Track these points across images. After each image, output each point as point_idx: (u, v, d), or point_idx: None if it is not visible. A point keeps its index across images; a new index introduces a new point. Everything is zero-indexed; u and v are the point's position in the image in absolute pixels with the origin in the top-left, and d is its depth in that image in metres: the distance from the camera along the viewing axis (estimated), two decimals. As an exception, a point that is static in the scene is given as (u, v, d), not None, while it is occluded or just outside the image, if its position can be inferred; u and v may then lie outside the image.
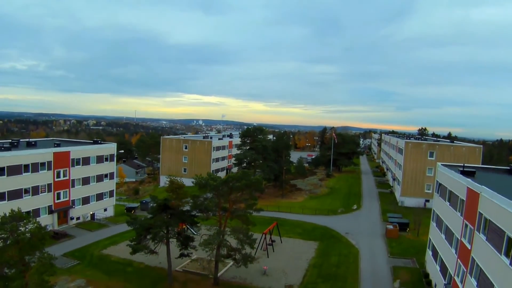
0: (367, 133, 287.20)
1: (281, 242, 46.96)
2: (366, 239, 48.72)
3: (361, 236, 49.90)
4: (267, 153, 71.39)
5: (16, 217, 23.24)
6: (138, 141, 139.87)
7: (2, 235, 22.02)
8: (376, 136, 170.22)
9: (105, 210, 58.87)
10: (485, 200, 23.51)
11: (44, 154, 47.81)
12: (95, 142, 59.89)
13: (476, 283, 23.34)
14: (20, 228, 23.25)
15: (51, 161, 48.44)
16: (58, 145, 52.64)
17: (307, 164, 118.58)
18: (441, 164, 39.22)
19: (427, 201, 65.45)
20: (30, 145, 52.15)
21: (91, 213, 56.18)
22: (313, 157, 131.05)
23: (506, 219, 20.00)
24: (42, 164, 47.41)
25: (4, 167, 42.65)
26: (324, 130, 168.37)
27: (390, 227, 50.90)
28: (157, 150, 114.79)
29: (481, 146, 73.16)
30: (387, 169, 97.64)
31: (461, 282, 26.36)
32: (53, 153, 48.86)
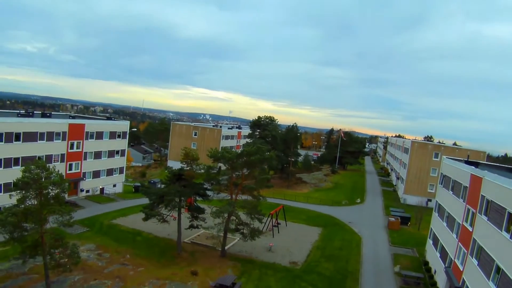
0: (373, 138, 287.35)
1: (286, 225, 48.03)
2: (368, 229, 49.70)
3: (364, 226, 50.88)
4: (276, 143, 72.43)
5: (40, 166, 24.29)
6: (146, 128, 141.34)
7: (26, 179, 23.07)
8: (382, 139, 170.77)
9: (114, 186, 60.20)
10: (488, 183, 24.87)
11: (60, 124, 49.16)
12: (109, 119, 61.20)
13: (477, 262, 24.34)
14: (43, 177, 24.26)
15: (66, 132, 49.75)
16: (74, 118, 53.96)
17: (313, 162, 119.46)
18: (446, 157, 40.52)
19: (429, 200, 66.22)
20: (45, 116, 53.48)
21: (100, 187, 57.51)
22: (319, 155, 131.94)
23: (507, 197, 21.26)
24: (57, 134, 48.72)
25: (20, 133, 43.88)
26: (331, 130, 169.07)
27: (392, 219, 51.86)
28: (165, 136, 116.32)
29: (486, 151, 73.72)
30: (392, 170, 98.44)
31: (462, 264, 27.34)
32: (69, 124, 50.21)
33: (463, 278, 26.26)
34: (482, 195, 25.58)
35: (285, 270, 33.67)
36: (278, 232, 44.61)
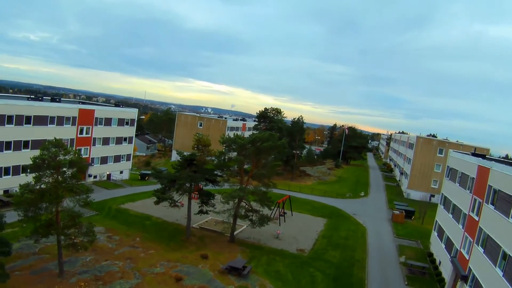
0: (375, 136, 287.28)
1: (292, 215, 48.54)
2: (372, 221, 50.21)
3: (368, 218, 51.38)
4: (282, 135, 72.74)
5: (57, 144, 24.69)
6: (150, 118, 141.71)
7: (45, 157, 23.51)
8: (385, 136, 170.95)
9: (121, 172, 60.75)
10: (495, 173, 25.47)
11: (70, 109, 49.58)
12: (117, 106, 61.60)
13: (483, 250, 24.83)
14: (61, 156, 24.67)
15: (76, 117, 50.17)
16: (83, 103, 54.33)
17: (316, 156, 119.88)
18: (453, 151, 41.04)
19: (432, 196, 66.63)
20: (54, 101, 53.82)
21: (107, 173, 58.04)
22: (321, 150, 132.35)
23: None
24: (67, 118, 49.16)
25: (31, 116, 44.30)
26: (334, 126, 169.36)
27: (397, 212, 52.35)
28: (169, 127, 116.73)
29: (490, 149, 73.96)
30: (395, 165, 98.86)
31: (468, 253, 27.82)
32: (79, 109, 50.62)
33: (469, 267, 26.75)
34: (489, 185, 26.10)
35: (293, 257, 34.20)
36: (285, 221, 45.13)
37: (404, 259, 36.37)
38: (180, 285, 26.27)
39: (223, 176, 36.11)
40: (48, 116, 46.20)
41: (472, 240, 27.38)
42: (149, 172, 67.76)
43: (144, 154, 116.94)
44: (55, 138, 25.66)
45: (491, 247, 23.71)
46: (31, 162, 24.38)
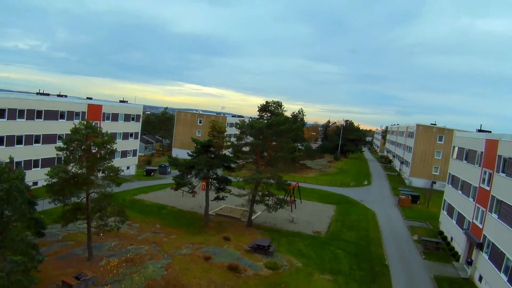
0: (367, 132, 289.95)
1: (301, 202, 49.44)
2: (380, 206, 51.38)
3: (375, 204, 52.54)
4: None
5: (88, 127, 25.25)
6: (147, 118, 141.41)
7: (79, 137, 24.09)
8: (379, 131, 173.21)
9: (128, 168, 60.98)
10: (504, 143, 26.92)
11: (79, 104, 49.85)
12: (122, 102, 61.86)
13: (497, 216, 26.10)
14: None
15: (85, 112, 50.42)
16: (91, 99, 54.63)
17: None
18: (457, 131, 42.66)
19: (434, 182, 68.26)
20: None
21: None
22: (317, 145, 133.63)
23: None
24: (77, 113, 49.36)
25: (42, 111, 44.53)
26: (327, 122, 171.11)
27: (403, 197, 53.64)
28: (167, 126, 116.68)
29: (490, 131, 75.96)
30: (394, 156, 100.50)
31: (481, 222, 29.08)
32: (88, 104, 50.89)
33: (483, 235, 28.00)
34: (499, 155, 27.51)
35: (311, 238, 35.10)
36: (295, 208, 46.02)
37: (417, 238, 37.53)
38: (210, 263, 26.92)
39: (238, 162, 36.86)
40: (58, 110, 46.45)
41: (484, 210, 28.65)
42: (155, 168, 68.40)
43: (143, 154, 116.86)
44: (86, 120, 26.21)
45: (505, 211, 24.99)
46: (62, 145, 24.88)
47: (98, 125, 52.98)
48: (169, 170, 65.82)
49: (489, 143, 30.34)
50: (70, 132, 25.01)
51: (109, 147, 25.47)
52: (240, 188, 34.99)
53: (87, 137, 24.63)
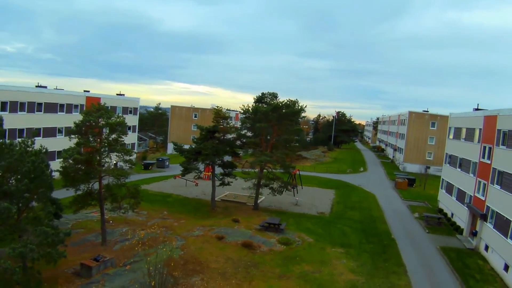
0: (357, 125, 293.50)
1: (302, 187, 50.26)
2: (378, 189, 52.52)
3: (373, 187, 53.67)
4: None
5: (100, 109, 25.49)
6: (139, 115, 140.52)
7: (92, 118, 24.34)
8: (370, 122, 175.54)
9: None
10: (503, 118, 28.08)
11: (78, 96, 49.71)
12: (119, 95, 61.74)
13: (499, 187, 27.26)
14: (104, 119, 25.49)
15: (83, 105, 50.21)
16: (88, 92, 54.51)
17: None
18: (452, 112, 44.04)
19: (428, 167, 69.85)
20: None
21: (114, 161, 58.03)
22: (311, 138, 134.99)
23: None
24: (76, 106, 49.30)
25: (42, 103, 44.34)
26: (318, 116, 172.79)
27: (400, 180, 54.96)
28: (161, 123, 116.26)
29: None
30: (386, 145, 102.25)
31: (483, 195, 30.25)
32: (86, 97, 50.75)
33: (486, 206, 29.14)
34: (498, 129, 28.68)
35: (317, 218, 35.93)
36: (297, 192, 46.81)
37: (418, 215, 38.71)
38: (224, 242, 27.47)
39: (244, 146, 37.43)
40: (57, 103, 46.32)
41: (486, 182, 29.81)
42: (153, 162, 68.35)
43: (137, 151, 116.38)
44: (98, 103, 26.44)
45: (507, 181, 26.13)
46: (73, 128, 25.12)
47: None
48: (167, 163, 65.92)
49: (487, 119, 31.47)
50: (71, 125, 25.24)
51: (121, 128, 25.66)
52: (248, 168, 35.55)
53: (99, 119, 24.85)
